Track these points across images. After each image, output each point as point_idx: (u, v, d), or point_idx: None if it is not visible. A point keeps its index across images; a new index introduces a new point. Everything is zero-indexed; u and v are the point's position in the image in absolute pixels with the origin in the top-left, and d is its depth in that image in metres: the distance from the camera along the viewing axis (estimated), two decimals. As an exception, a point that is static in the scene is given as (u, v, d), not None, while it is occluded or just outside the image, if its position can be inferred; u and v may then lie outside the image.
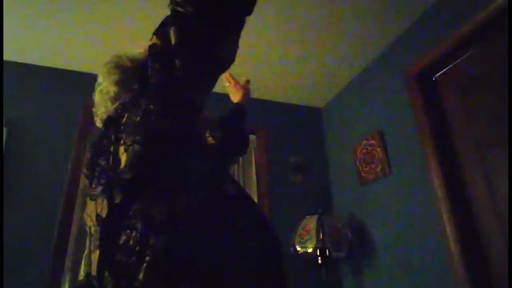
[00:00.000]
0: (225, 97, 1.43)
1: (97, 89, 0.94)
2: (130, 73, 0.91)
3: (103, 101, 0.92)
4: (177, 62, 0.71)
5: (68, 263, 2.21)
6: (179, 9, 0.71)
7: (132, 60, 0.95)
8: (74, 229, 2.24)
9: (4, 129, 2.20)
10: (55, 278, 2.04)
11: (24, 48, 2.34)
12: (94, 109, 0.95)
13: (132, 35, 2.21)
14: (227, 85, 1.41)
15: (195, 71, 0.74)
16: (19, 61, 2.43)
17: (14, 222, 2.04)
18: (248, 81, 1.41)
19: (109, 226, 0.71)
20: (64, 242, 2.14)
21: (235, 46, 0.78)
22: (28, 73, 2.45)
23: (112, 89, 0.90)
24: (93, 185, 0.79)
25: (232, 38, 0.77)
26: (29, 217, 2.10)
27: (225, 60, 0.78)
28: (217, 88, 0.85)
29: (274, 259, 0.76)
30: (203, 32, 0.71)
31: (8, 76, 2.35)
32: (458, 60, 1.92)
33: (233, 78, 1.39)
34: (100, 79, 0.95)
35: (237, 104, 1.32)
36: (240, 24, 0.76)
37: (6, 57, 2.38)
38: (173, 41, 0.71)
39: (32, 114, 2.35)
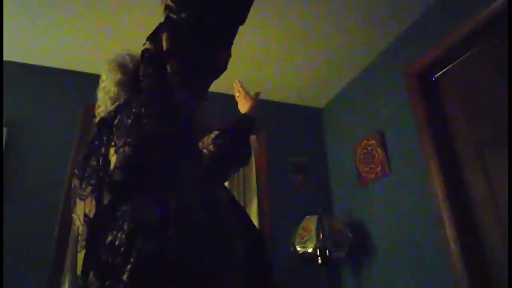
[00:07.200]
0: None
1: (100, 86, 0.94)
2: (131, 75, 0.90)
3: (104, 99, 0.92)
4: (168, 67, 0.71)
5: (68, 263, 2.21)
6: (172, 15, 0.71)
7: (135, 62, 0.94)
8: (74, 229, 2.23)
9: (4, 129, 2.21)
10: (55, 278, 2.04)
11: (24, 48, 2.34)
12: (97, 105, 0.95)
13: (132, 36, 2.21)
14: (237, 95, 1.39)
15: (186, 77, 0.74)
16: (19, 61, 2.44)
17: (14, 222, 2.05)
18: (258, 93, 1.39)
19: (95, 227, 0.71)
20: (64, 242, 2.14)
21: (228, 54, 0.78)
22: (28, 73, 2.45)
23: (113, 89, 0.90)
24: (83, 185, 0.79)
25: (225, 45, 0.76)
26: (29, 217, 2.10)
27: (217, 67, 0.78)
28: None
29: (263, 265, 0.76)
30: (195, 39, 0.71)
31: (8, 76, 2.35)
32: (458, 60, 1.91)
33: (243, 89, 1.38)
34: (103, 77, 0.95)
35: (244, 114, 1.30)
36: (233, 32, 0.76)
37: (6, 57, 2.38)
38: (164, 46, 0.71)
39: (32, 114, 2.35)
